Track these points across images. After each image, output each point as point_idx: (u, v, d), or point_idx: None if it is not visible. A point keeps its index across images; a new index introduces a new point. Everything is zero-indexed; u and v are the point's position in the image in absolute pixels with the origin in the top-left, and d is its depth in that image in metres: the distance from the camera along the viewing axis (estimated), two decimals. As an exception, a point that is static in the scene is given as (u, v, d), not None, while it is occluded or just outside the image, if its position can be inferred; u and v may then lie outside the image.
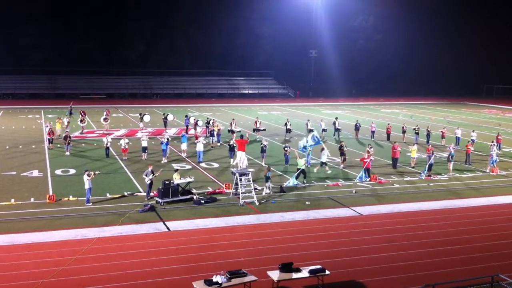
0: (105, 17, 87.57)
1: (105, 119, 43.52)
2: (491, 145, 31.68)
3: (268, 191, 24.11)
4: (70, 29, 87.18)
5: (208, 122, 40.86)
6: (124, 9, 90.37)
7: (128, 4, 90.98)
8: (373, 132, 41.85)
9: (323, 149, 29.16)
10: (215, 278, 13.23)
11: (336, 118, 43.40)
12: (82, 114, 43.78)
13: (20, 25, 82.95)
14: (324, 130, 41.72)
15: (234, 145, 30.72)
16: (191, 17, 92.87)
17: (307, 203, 22.95)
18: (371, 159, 27.93)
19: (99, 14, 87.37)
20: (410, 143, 36.62)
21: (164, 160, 30.81)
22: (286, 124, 42.54)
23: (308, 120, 44.24)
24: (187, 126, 42.63)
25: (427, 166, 28.58)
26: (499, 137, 37.08)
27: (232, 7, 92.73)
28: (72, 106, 52.74)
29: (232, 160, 30.76)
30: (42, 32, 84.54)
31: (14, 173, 27.44)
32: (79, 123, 42.93)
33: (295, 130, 43.11)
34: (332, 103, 77.96)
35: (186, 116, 44.47)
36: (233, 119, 43.68)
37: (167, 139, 32.68)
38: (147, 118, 45.78)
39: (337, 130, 42.13)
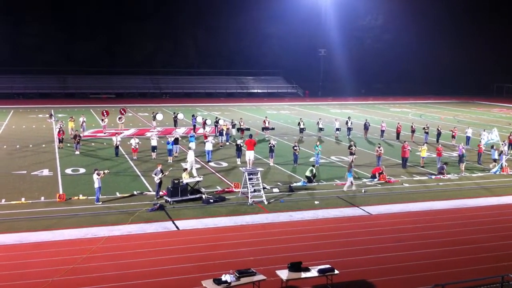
0: (114, 17, 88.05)
1: (119, 118, 43.78)
2: (502, 144, 31.38)
3: (350, 184, 24.93)
4: (79, 29, 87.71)
5: (217, 121, 40.90)
6: (130, 9, 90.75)
7: (133, 5, 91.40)
8: (382, 131, 41.66)
9: (493, 146, 31.54)
10: (224, 277, 13.25)
11: (349, 118, 43.27)
12: (105, 114, 43.88)
13: (30, 26, 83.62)
14: (337, 129, 41.74)
15: (242, 145, 30.76)
16: (199, 16, 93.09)
17: (316, 202, 22.91)
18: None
19: (108, 14, 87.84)
20: (419, 143, 36.42)
21: (170, 161, 30.84)
22: (299, 124, 42.43)
23: (320, 119, 44.14)
24: (194, 126, 42.71)
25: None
26: (511, 136, 36.54)
27: (240, 7, 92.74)
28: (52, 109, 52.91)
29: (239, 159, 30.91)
30: (51, 32, 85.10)
31: (25, 172, 27.63)
32: (101, 122, 43.25)
33: (306, 130, 42.90)
34: (341, 102, 77.69)
35: (193, 115, 44.53)
36: (241, 118, 43.61)
37: (177, 138, 32.71)
38: (159, 116, 45.86)
39: (349, 129, 42.06)
